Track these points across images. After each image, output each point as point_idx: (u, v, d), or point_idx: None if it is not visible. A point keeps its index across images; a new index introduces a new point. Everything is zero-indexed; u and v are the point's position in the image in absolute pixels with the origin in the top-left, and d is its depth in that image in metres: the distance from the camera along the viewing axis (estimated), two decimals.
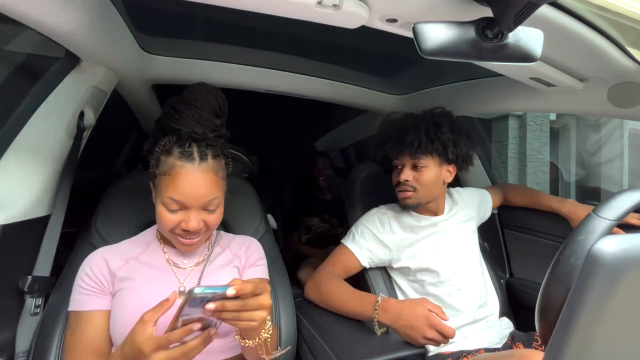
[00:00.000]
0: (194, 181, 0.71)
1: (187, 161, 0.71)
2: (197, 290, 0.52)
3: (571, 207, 1.18)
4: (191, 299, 0.52)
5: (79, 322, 0.72)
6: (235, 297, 0.56)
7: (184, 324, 0.57)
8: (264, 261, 0.91)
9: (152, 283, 0.75)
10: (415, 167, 1.11)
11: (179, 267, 0.81)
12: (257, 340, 0.67)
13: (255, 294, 0.58)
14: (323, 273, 1.10)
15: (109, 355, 0.72)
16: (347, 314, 1.01)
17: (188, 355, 0.58)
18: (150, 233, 0.86)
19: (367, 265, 1.13)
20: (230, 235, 0.94)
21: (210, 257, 0.84)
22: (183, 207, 0.72)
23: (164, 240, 0.83)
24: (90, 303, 0.73)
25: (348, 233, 1.18)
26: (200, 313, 0.56)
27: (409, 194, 1.11)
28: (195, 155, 0.72)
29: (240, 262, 0.87)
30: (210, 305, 0.54)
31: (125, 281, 0.75)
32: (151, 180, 0.78)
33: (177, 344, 0.57)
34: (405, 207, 1.15)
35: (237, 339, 0.69)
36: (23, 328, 0.78)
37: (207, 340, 0.58)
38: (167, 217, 0.72)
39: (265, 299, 0.59)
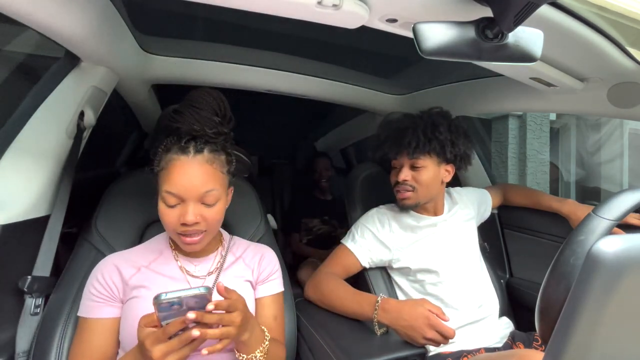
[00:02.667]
0: (188, 172, 0.71)
1: (182, 154, 0.72)
2: (162, 297, 0.56)
3: (571, 207, 1.18)
4: (159, 305, 0.56)
5: (86, 329, 0.72)
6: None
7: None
8: (279, 272, 0.90)
9: None
10: (413, 167, 1.11)
11: (192, 276, 0.79)
12: (250, 357, 0.70)
13: (228, 311, 0.62)
14: (323, 273, 1.10)
15: (116, 358, 0.74)
16: (347, 314, 1.01)
17: (187, 344, 0.59)
18: (162, 240, 0.84)
19: (367, 265, 1.13)
20: (245, 241, 0.92)
21: (223, 265, 0.83)
22: (180, 200, 0.71)
23: (176, 247, 0.82)
24: (98, 311, 0.73)
25: (348, 233, 1.18)
26: (182, 315, 0.58)
27: (408, 194, 1.11)
28: (191, 149, 0.73)
29: (253, 275, 0.85)
30: (191, 315, 0.56)
31: (137, 289, 0.74)
32: (155, 180, 0.78)
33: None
34: (404, 207, 1.15)
35: (235, 351, 0.72)
36: (23, 328, 0.78)
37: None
38: (166, 213, 0.72)
39: (236, 317, 0.62)
